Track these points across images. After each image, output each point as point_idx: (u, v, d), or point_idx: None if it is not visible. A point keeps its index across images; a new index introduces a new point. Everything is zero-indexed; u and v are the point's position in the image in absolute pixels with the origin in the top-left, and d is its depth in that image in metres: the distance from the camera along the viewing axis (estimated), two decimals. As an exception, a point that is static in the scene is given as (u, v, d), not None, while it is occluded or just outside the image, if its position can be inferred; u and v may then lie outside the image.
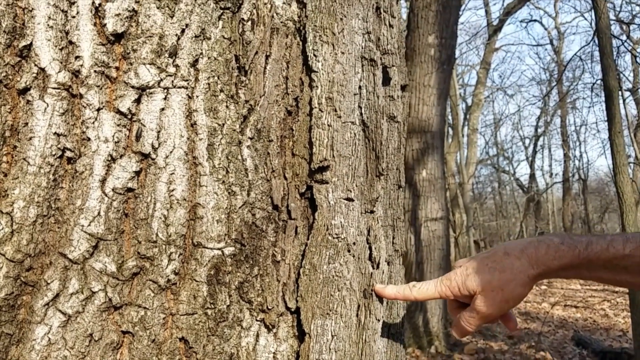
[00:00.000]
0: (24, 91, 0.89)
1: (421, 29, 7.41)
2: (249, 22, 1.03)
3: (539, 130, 22.27)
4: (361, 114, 1.16)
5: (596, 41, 6.44)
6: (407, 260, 7.10)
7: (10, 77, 0.90)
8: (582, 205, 21.82)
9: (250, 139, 1.01)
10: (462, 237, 14.01)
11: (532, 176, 21.70)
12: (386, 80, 1.29)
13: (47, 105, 0.89)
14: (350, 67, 1.15)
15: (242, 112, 1.00)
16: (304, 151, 1.07)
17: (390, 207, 1.28)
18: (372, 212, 1.16)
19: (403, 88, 1.45)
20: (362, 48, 1.18)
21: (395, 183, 1.32)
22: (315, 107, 1.06)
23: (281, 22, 1.07)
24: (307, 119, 1.07)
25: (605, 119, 5.90)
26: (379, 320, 1.08)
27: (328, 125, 1.06)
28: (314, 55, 1.07)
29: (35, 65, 0.90)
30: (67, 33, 0.92)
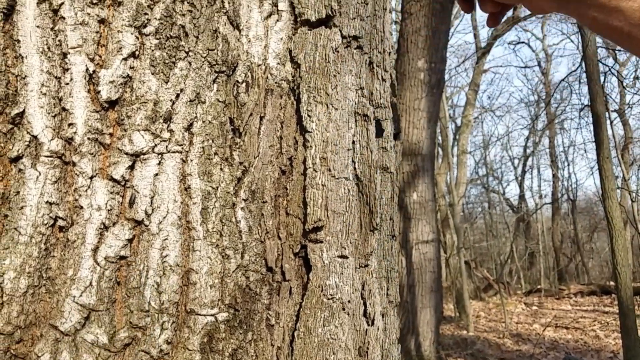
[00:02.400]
0: (16, 159, 0.89)
1: (411, 53, 7.50)
2: (244, 84, 1.03)
3: (528, 151, 22.44)
4: (355, 168, 1.16)
5: (583, 67, 6.54)
6: (399, 283, 7.08)
7: (2, 144, 0.89)
8: (571, 224, 21.92)
9: (245, 200, 1.00)
10: (453, 258, 14.00)
11: (522, 197, 21.80)
12: (379, 132, 1.30)
13: (40, 174, 0.88)
14: (344, 123, 1.15)
15: (236, 174, 1.00)
16: (298, 210, 1.06)
17: (385, 258, 1.28)
18: (366, 266, 1.15)
19: (396, 136, 1.46)
20: (355, 104, 1.19)
21: (389, 234, 1.31)
22: (310, 167, 1.06)
23: (275, 83, 1.08)
24: (301, 178, 1.07)
25: (593, 139, 5.96)
26: (374, 382, 1.07)
27: (322, 185, 1.06)
28: (308, 115, 1.07)
29: (28, 133, 0.89)
30: (60, 100, 0.91)
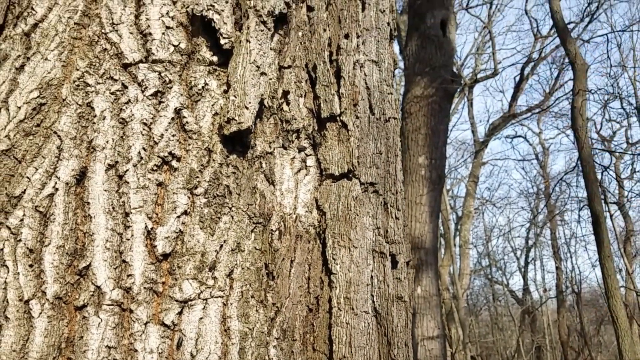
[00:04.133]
0: (81, 307, 1.01)
1: (412, 150, 7.78)
2: (277, 232, 1.18)
3: (530, 242, 22.49)
4: (373, 302, 1.28)
5: (579, 167, 6.75)
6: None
7: (70, 294, 1.02)
8: (577, 317, 21.53)
9: (277, 339, 1.12)
10: (459, 353, 13.69)
11: (526, 289, 21.61)
12: (394, 264, 1.43)
13: (101, 321, 1.00)
14: (363, 260, 1.28)
15: (270, 315, 1.12)
16: (324, 347, 1.17)
17: (400, 386, 1.37)
18: (386, 396, 1.24)
19: (407, 264, 1.59)
20: (373, 242, 1.33)
21: (405, 358, 1.41)
22: (335, 307, 1.18)
23: (304, 229, 1.22)
24: (326, 315, 1.19)
25: (593, 234, 6.07)
26: None
27: (346, 323, 1.18)
28: (333, 259, 1.21)
29: (92, 283, 1.02)
30: (121, 253, 1.05)
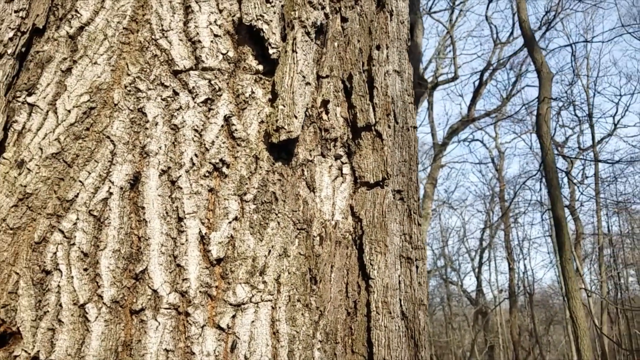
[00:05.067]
0: (139, 311, 1.02)
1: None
2: (318, 238, 1.22)
3: (484, 243, 23.10)
4: (401, 305, 1.33)
5: (538, 169, 6.97)
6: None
7: (126, 298, 1.03)
8: (528, 317, 22.25)
9: (320, 342, 1.15)
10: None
11: (480, 290, 22.19)
12: (416, 269, 1.48)
13: (159, 324, 1.02)
14: (392, 266, 1.33)
15: (314, 318, 1.16)
16: (362, 349, 1.22)
17: (422, 385, 1.42)
18: (413, 397, 1.30)
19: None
20: (400, 248, 1.38)
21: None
22: (373, 310, 1.23)
23: (341, 235, 1.26)
24: (364, 319, 1.23)
25: (547, 234, 6.30)
26: None
27: (384, 326, 1.22)
28: (371, 264, 1.25)
29: (149, 287, 1.04)
30: (175, 257, 1.07)
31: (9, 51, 1.16)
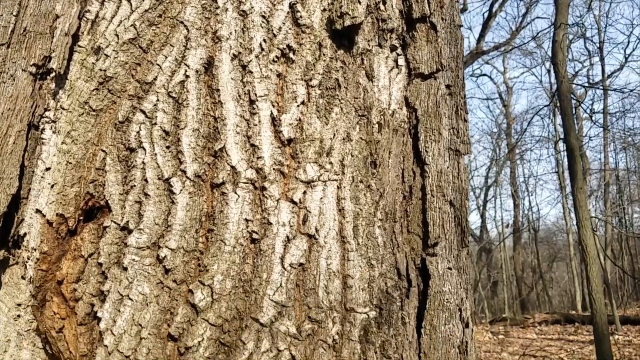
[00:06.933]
0: (219, 185, 1.10)
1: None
2: (377, 125, 1.28)
3: (489, 181, 23.26)
4: (450, 194, 1.40)
5: (555, 101, 6.97)
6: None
7: (207, 173, 1.10)
8: (532, 254, 22.64)
9: (380, 220, 1.23)
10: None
11: (484, 227, 22.49)
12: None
13: (239, 197, 1.09)
14: (441, 156, 1.40)
15: (375, 198, 1.23)
16: (417, 229, 1.30)
17: (465, 272, 1.52)
18: (461, 277, 1.39)
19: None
20: (449, 140, 1.44)
21: (467, 250, 1.56)
22: (428, 194, 1.30)
23: (397, 124, 1.32)
24: (419, 202, 1.31)
25: (553, 170, 6.37)
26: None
27: (439, 208, 1.30)
28: (426, 151, 1.32)
29: (228, 163, 1.11)
30: (249, 137, 1.13)
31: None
